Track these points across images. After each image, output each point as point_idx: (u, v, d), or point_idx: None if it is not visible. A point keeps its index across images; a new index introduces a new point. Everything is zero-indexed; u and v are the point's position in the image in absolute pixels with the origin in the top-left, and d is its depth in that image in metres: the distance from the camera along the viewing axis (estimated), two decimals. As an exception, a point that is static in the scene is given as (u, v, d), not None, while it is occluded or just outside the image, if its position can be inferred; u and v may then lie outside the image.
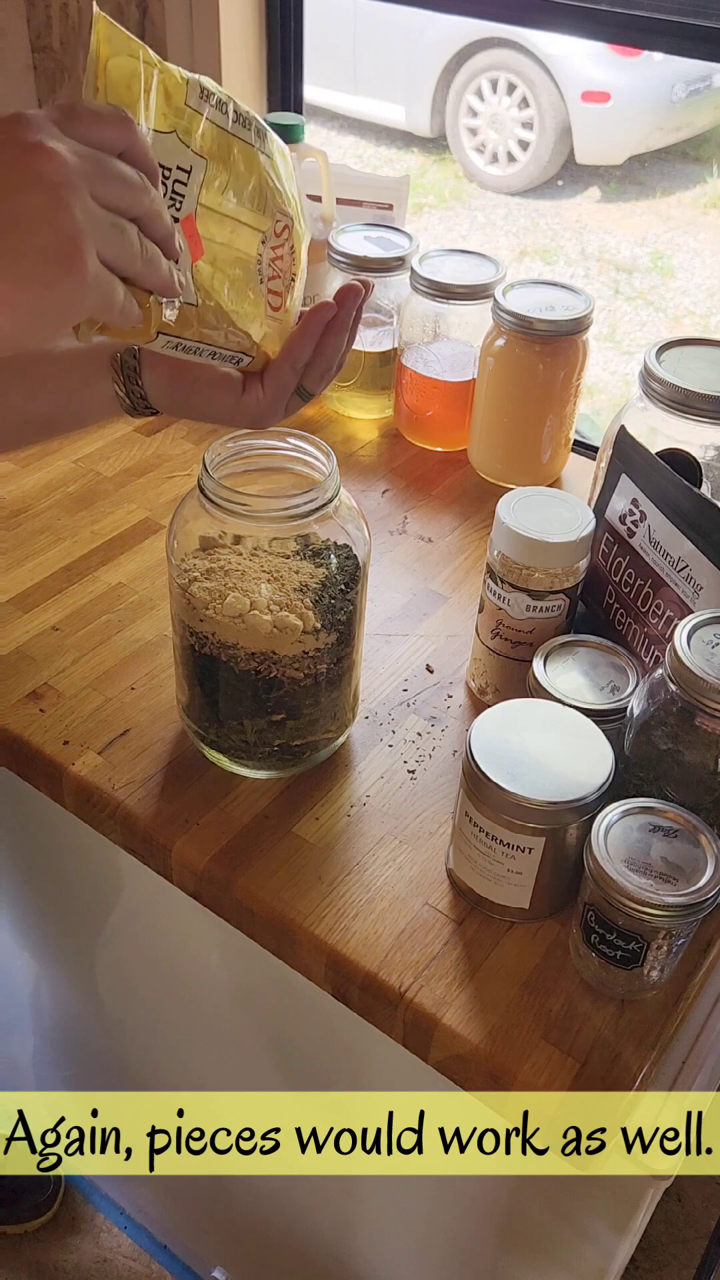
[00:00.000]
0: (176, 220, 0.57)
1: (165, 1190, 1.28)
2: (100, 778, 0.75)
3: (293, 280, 0.67)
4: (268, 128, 0.62)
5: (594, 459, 1.02)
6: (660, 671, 0.65)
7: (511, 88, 3.77)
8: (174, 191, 0.56)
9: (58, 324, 0.48)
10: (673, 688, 0.63)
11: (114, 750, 0.77)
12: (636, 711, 0.67)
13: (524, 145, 3.81)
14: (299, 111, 1.34)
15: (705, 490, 0.80)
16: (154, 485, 1.02)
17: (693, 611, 0.70)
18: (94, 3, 0.55)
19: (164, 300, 0.56)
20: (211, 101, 0.57)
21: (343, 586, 0.70)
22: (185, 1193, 1.23)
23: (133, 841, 0.74)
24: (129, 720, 0.79)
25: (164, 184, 0.55)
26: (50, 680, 0.82)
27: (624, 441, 0.79)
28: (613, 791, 0.64)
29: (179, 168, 0.56)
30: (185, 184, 0.57)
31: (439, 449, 1.11)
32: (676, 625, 0.65)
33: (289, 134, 1.06)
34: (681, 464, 0.80)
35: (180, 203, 0.57)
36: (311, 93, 1.37)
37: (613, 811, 0.62)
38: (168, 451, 1.07)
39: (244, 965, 0.83)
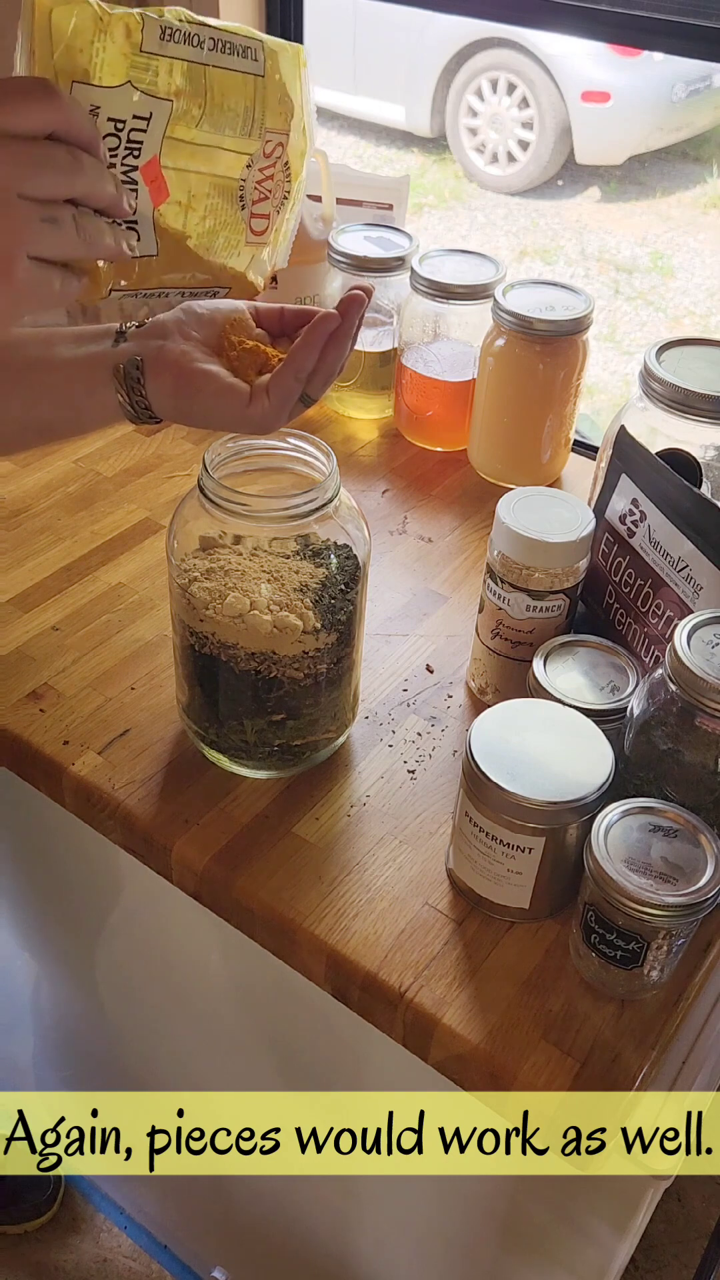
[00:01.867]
0: (135, 168, 0.54)
1: (165, 1190, 1.28)
2: (100, 778, 0.75)
3: (284, 199, 0.65)
4: (262, 40, 0.59)
5: (594, 459, 1.02)
6: (660, 671, 0.65)
7: (511, 88, 3.77)
8: (131, 140, 0.54)
9: None
10: (673, 688, 0.63)
11: (114, 750, 0.77)
12: (636, 711, 0.67)
13: (524, 145, 3.81)
14: (299, 111, 1.34)
15: (705, 490, 0.80)
16: (154, 485, 1.02)
17: (693, 611, 0.70)
18: None
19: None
20: (176, 39, 0.54)
21: (343, 586, 0.70)
22: (185, 1193, 1.23)
23: (133, 841, 0.74)
24: (129, 720, 0.79)
25: (118, 135, 0.53)
26: (50, 680, 0.82)
27: (624, 441, 0.79)
28: (613, 791, 0.64)
29: (135, 116, 0.54)
30: (145, 130, 0.54)
31: (439, 449, 1.11)
32: (676, 625, 0.65)
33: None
34: (681, 464, 0.80)
35: (139, 150, 0.55)
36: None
37: (613, 811, 0.62)
38: (168, 451, 1.07)
39: (244, 965, 0.83)
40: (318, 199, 1.13)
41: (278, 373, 0.65)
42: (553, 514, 0.76)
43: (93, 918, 0.97)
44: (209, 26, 0.56)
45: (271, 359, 0.66)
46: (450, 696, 0.83)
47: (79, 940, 1.03)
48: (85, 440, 1.07)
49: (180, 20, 0.55)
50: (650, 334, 3.22)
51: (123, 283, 0.57)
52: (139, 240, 0.58)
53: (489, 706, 0.67)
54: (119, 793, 0.74)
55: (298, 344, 0.64)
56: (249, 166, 0.61)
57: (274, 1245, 1.12)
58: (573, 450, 1.09)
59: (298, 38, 1.30)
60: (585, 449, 1.11)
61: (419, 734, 0.80)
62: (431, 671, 0.85)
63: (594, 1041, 0.62)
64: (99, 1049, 1.16)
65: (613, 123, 3.73)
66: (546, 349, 0.97)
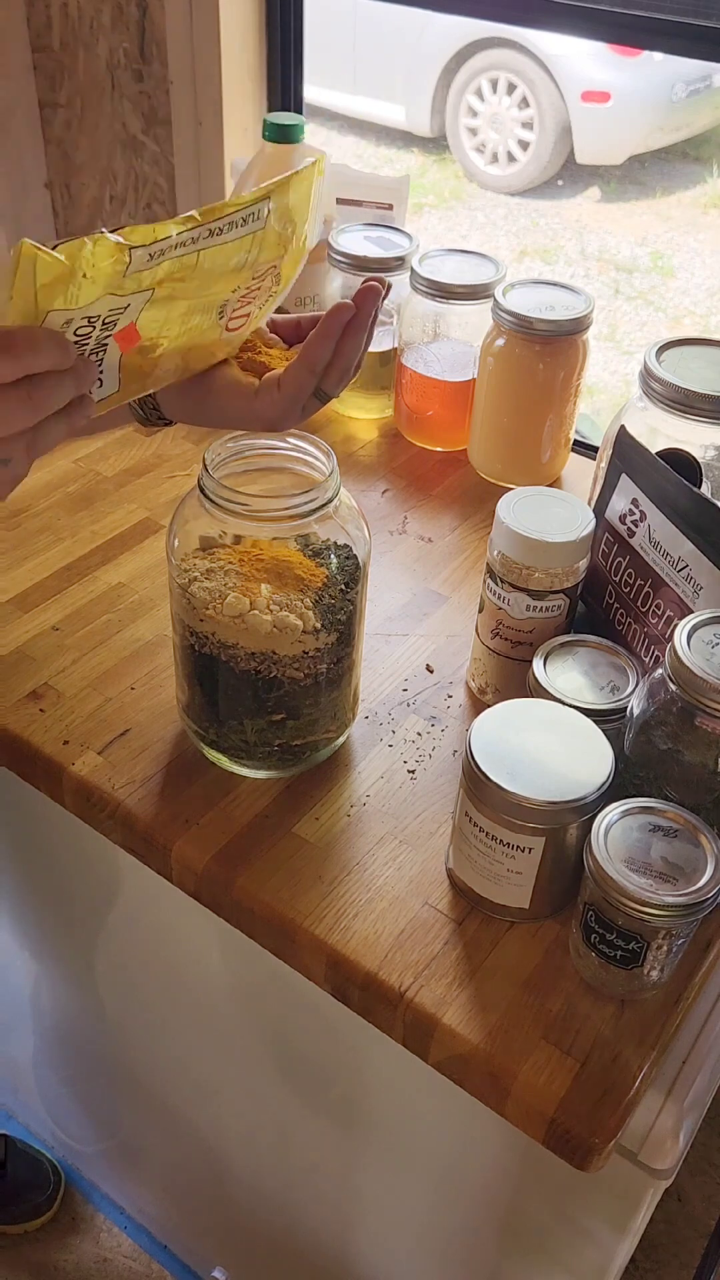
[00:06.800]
0: (109, 337, 0.54)
1: (165, 1190, 1.28)
2: (100, 778, 0.75)
3: (270, 298, 0.64)
4: (269, 195, 0.57)
5: (594, 459, 1.02)
6: (660, 671, 0.65)
7: (511, 88, 3.77)
8: (105, 323, 0.53)
9: None
10: (673, 688, 0.63)
11: (114, 750, 0.77)
12: (636, 711, 0.67)
13: (524, 145, 3.81)
14: (299, 111, 1.34)
15: (705, 490, 0.80)
16: (154, 485, 1.02)
17: (693, 611, 0.70)
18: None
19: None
20: (165, 251, 0.52)
21: (343, 586, 0.70)
22: (185, 1193, 1.23)
23: (133, 841, 0.74)
24: (129, 720, 0.79)
25: (92, 325, 0.52)
26: (50, 680, 0.82)
27: (624, 441, 0.79)
28: (613, 791, 0.64)
29: (112, 310, 0.52)
30: (122, 313, 0.53)
31: (439, 449, 1.11)
32: (676, 625, 0.65)
33: (289, 134, 1.06)
34: (681, 464, 0.80)
35: (115, 325, 0.54)
36: (311, 93, 1.38)
37: (613, 811, 0.62)
38: (168, 451, 1.07)
39: (244, 965, 0.83)
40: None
41: (291, 366, 0.64)
42: (553, 514, 0.76)
43: (93, 918, 0.97)
44: (213, 216, 0.54)
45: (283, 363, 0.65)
46: (450, 696, 0.83)
47: (79, 940, 1.03)
48: (85, 440, 1.07)
49: (176, 230, 0.52)
50: (650, 334, 3.22)
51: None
52: (101, 386, 0.57)
53: (489, 706, 0.67)
54: (119, 793, 0.74)
55: (311, 337, 0.63)
56: (234, 292, 0.60)
57: (274, 1245, 1.12)
58: (573, 450, 1.09)
59: (298, 38, 1.30)
60: (585, 449, 1.11)
61: (419, 734, 0.80)
62: (431, 671, 0.85)
63: (594, 1041, 0.62)
64: (99, 1049, 1.15)
65: (613, 123, 3.73)
66: (546, 349, 0.97)
